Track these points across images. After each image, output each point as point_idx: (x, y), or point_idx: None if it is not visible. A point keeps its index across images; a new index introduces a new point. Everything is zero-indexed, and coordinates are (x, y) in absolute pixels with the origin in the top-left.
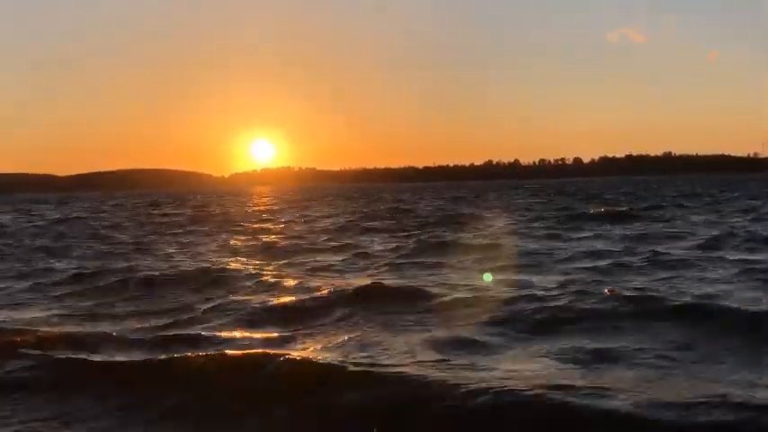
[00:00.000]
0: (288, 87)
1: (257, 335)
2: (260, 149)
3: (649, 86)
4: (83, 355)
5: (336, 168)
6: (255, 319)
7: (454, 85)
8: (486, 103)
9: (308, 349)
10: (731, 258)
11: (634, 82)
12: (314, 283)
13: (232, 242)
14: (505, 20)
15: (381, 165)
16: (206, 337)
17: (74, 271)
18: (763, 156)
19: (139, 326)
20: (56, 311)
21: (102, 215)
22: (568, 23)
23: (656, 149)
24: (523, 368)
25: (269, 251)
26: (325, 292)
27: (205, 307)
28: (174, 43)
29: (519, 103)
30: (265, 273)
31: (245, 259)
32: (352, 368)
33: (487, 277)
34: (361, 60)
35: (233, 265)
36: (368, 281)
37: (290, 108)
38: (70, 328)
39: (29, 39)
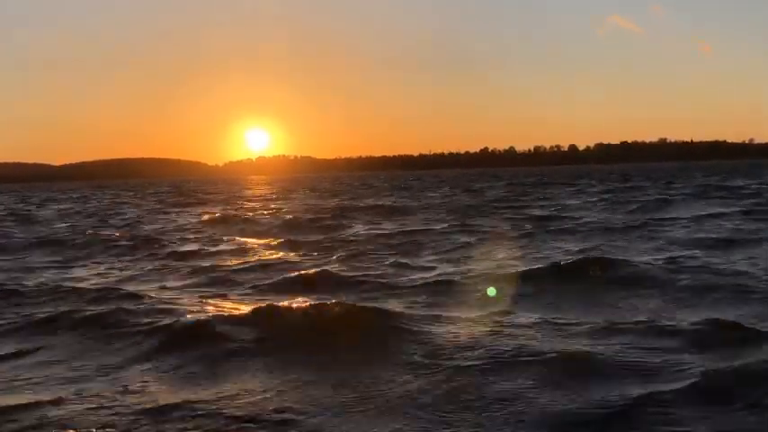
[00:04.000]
0: (283, 77)
1: None
2: (255, 138)
3: (644, 74)
4: None
5: (332, 157)
6: None
7: (450, 73)
8: (482, 90)
9: None
10: None
11: (629, 69)
12: None
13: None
14: (501, 7)
15: (378, 153)
16: None
17: None
18: (758, 142)
19: None
20: None
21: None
22: (564, 11)
23: (650, 136)
24: None
25: None
26: None
27: None
28: (168, 34)
29: (515, 91)
30: None
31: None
32: None
33: (491, 292)
34: (357, 49)
35: None
36: None
37: (285, 97)
38: None
39: (25, 31)
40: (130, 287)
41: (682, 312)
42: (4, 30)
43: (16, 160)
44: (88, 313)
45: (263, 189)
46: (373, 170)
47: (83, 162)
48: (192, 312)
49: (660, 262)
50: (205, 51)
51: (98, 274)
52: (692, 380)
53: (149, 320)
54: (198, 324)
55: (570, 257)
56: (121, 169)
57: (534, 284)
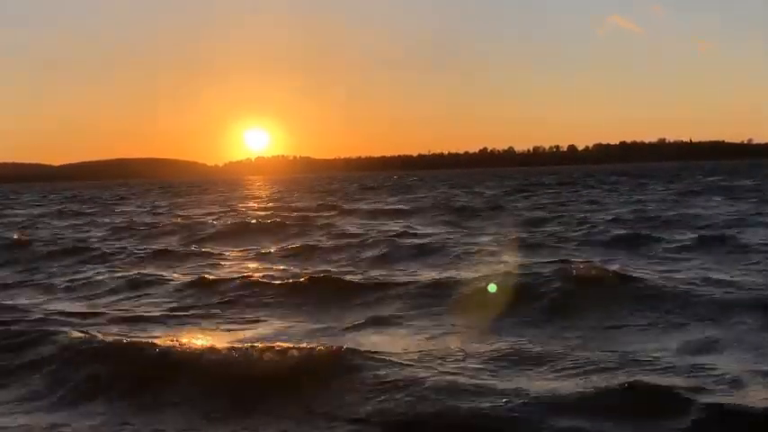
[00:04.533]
0: (283, 76)
1: None
2: (254, 138)
3: (644, 74)
4: None
5: (331, 157)
6: None
7: (450, 73)
8: (482, 90)
9: None
10: None
11: (629, 69)
12: None
13: None
14: (501, 7)
15: (377, 153)
16: None
17: None
18: (758, 142)
19: None
20: None
21: None
22: (564, 11)
23: (650, 136)
24: None
25: None
26: None
27: None
28: (167, 33)
29: (514, 91)
30: None
31: None
32: None
33: (492, 288)
34: (357, 49)
35: None
36: None
37: (285, 97)
38: None
39: (25, 31)
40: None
41: (693, 339)
42: (4, 30)
43: (15, 160)
44: None
45: (262, 190)
46: (372, 170)
47: (82, 162)
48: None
49: (671, 273)
50: (204, 51)
51: None
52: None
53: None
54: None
55: (571, 267)
56: (121, 169)
57: (525, 299)
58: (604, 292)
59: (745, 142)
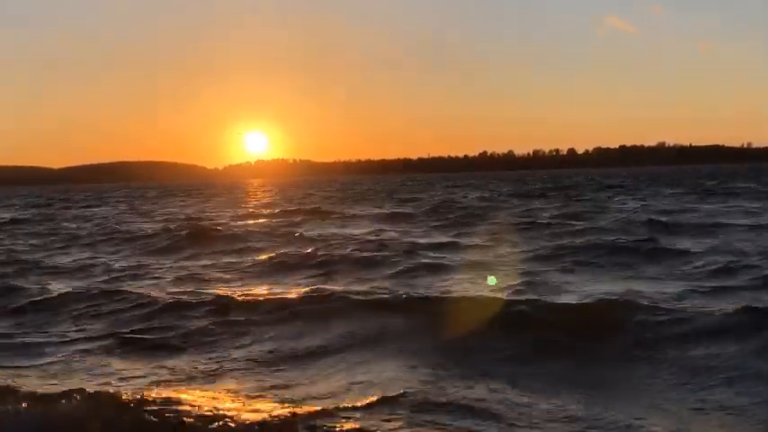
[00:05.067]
0: (282, 76)
1: None
2: (254, 141)
3: (643, 74)
4: None
5: (331, 160)
6: None
7: (450, 73)
8: (482, 92)
9: None
10: None
11: (629, 70)
12: None
13: None
14: (501, 7)
15: (377, 156)
16: None
17: None
18: (757, 146)
19: None
20: None
21: None
22: (564, 11)
23: (649, 138)
24: None
25: None
26: None
27: None
28: (166, 36)
29: (514, 92)
30: None
31: None
32: None
33: (492, 281)
34: (357, 50)
35: None
36: None
37: (285, 98)
38: None
39: (25, 31)
40: None
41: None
42: (4, 30)
43: (16, 164)
44: None
45: (260, 193)
46: (372, 174)
47: (82, 165)
48: None
49: (674, 288)
50: (204, 51)
51: None
52: None
53: None
54: None
55: (566, 287)
56: (122, 172)
57: (515, 326)
58: (600, 321)
59: (745, 146)
